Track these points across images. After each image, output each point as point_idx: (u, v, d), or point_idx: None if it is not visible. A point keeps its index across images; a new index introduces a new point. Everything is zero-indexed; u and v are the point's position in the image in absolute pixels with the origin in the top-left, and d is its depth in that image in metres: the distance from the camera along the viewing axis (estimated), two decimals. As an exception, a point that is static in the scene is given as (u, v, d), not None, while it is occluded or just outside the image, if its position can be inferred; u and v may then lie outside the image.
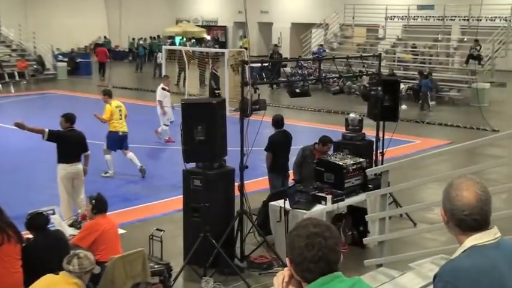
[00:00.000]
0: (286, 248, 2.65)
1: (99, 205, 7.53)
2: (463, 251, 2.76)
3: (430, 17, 35.93)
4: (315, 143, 10.25)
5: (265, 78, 9.39)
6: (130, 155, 13.73)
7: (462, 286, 2.64)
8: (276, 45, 35.95)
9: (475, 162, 10.97)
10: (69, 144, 10.15)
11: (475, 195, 2.75)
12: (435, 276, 2.77)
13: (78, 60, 36.07)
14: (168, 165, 14.32)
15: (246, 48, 39.58)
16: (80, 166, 10.28)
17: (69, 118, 10.34)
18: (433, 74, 26.41)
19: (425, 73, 26.20)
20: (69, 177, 10.20)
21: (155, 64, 34.66)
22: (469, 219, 2.74)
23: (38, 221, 7.01)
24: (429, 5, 35.98)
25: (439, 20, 33.62)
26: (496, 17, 31.84)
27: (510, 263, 2.74)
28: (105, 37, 45.63)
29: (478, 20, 28.22)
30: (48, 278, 5.92)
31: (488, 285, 2.65)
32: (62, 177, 10.19)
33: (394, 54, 31.80)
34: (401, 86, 21.90)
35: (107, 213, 7.69)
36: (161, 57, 34.11)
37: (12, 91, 28.17)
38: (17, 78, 29.59)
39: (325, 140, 10.20)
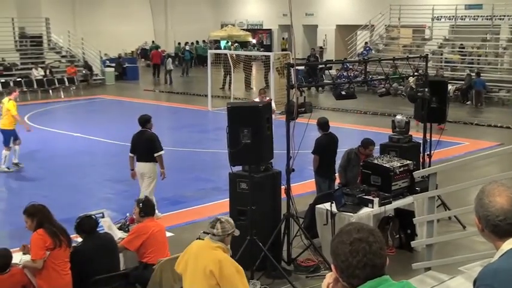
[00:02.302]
0: (331, 255, 2.63)
1: (147, 208, 7.61)
2: (502, 255, 2.75)
3: (478, 16, 35.32)
4: (359, 146, 10.19)
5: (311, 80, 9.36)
6: (3, 152, 14.90)
7: None
8: (313, 48, 35.83)
9: (526, 164, 10.79)
10: (134, 144, 10.89)
11: (508, 200, 2.75)
12: (475, 281, 2.75)
13: (126, 65, 36.53)
14: (215, 168, 14.40)
15: (284, 50, 39.64)
16: (143, 165, 10.85)
17: (138, 120, 11.02)
18: (482, 75, 26.01)
19: (473, 72, 25.97)
20: (138, 173, 10.95)
21: (165, 70, 34.08)
22: (503, 224, 2.74)
23: (87, 225, 7.12)
24: (477, 5, 35.36)
25: (487, 19, 33.03)
26: (546, 15, 31.20)
27: None
28: (153, 42, 46.19)
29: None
30: (195, 244, 6.25)
31: None
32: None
33: (441, 55, 31.38)
34: (449, 87, 21.62)
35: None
36: (170, 63, 33.69)
37: (62, 96, 28.74)
38: (66, 83, 30.15)
39: (366, 143, 10.11)
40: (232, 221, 6.37)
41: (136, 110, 24.90)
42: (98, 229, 7.29)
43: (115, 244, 7.35)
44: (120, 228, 8.31)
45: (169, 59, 34.97)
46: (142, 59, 44.87)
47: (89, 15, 42.39)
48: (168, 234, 8.84)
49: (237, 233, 6.40)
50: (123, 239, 7.68)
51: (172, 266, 7.10)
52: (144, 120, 10.92)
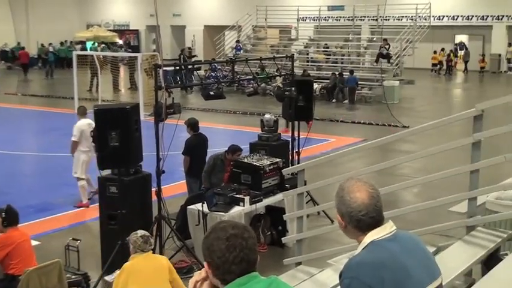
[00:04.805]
0: (203, 252, 2.63)
1: (10, 217, 7.28)
2: (364, 248, 2.85)
3: (340, 17, 36.72)
4: (226, 152, 10.17)
5: (179, 81, 9.33)
6: None
7: (367, 279, 2.72)
8: (183, 49, 35.79)
9: (388, 158, 11.27)
10: None
11: (368, 195, 2.86)
12: (340, 274, 2.83)
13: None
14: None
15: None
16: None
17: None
18: (345, 74, 26.98)
19: (338, 73, 26.98)
20: None
21: None
22: (366, 218, 2.84)
23: None
24: (339, 6, 36.77)
25: (349, 20, 34.37)
26: (402, 17, 32.86)
27: (409, 253, 2.86)
28: (19, 43, 44.15)
29: (386, 19, 29.06)
30: (131, 263, 6.41)
31: (391, 276, 2.74)
32: None
33: (308, 54, 32.20)
34: (315, 85, 22.26)
35: (19, 225, 7.44)
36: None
37: None
38: None
39: (234, 149, 10.05)
40: None
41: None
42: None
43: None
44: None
45: None
46: (2, 61, 42.87)
47: None
48: (35, 242, 8.51)
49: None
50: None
51: (39, 275, 6.84)
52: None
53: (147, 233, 6.65)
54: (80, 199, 11.69)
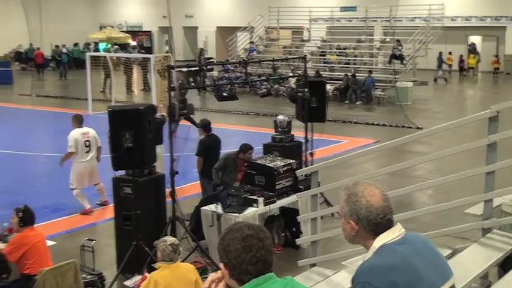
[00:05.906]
0: (219, 253, 2.64)
1: (27, 217, 7.32)
2: (375, 252, 2.83)
3: (353, 18, 36.59)
4: (238, 152, 10.16)
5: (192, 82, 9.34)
6: None
7: (379, 284, 2.69)
8: (202, 49, 35.86)
9: (401, 160, 11.21)
10: None
11: (382, 197, 2.85)
12: (353, 280, 2.82)
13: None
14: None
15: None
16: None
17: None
18: (357, 75, 26.91)
19: (350, 74, 26.91)
20: None
21: None
22: (384, 221, 2.83)
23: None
24: (351, 7, 36.65)
25: (361, 21, 34.26)
26: (415, 17, 32.74)
27: (419, 255, 2.83)
28: (30, 44, 44.41)
29: (398, 20, 29.00)
30: (160, 274, 6.23)
31: (403, 279, 2.72)
32: None
33: (325, 56, 32.02)
34: (328, 86, 22.24)
35: (35, 225, 7.48)
36: None
37: None
38: None
39: (245, 148, 10.04)
40: None
41: (8, 115, 23.87)
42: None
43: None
44: (-2, 239, 7.93)
45: None
46: (17, 62, 43.08)
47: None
48: (50, 243, 8.56)
49: None
50: (1, 249, 7.35)
51: (55, 276, 6.88)
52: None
53: (176, 241, 6.48)
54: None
